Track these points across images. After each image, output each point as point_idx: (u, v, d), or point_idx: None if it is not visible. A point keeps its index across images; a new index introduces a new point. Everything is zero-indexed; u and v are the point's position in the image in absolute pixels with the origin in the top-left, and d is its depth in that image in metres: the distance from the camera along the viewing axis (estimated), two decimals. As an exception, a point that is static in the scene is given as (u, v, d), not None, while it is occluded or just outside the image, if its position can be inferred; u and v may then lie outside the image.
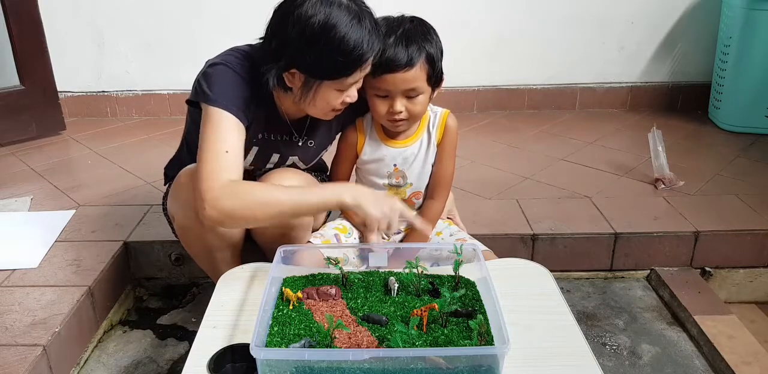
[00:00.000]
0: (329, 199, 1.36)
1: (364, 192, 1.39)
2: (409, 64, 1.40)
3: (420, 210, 1.66)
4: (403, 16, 1.47)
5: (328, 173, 1.78)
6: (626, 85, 3.27)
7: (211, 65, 1.43)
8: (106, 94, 3.21)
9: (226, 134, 1.37)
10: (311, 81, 1.35)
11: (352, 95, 1.41)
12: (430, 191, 1.64)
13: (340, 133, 1.67)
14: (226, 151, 1.35)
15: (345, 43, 1.29)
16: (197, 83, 1.43)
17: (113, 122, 3.19)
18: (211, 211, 1.31)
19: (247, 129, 1.50)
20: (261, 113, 1.50)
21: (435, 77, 1.47)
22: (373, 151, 1.60)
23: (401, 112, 1.46)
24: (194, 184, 1.35)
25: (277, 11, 1.35)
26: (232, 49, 1.48)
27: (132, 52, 3.14)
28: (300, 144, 1.61)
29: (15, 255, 1.91)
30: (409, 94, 1.45)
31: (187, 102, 1.48)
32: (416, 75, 1.42)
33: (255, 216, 1.35)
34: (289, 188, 1.42)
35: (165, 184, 1.74)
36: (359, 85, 1.43)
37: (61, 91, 3.00)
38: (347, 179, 1.72)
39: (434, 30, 1.48)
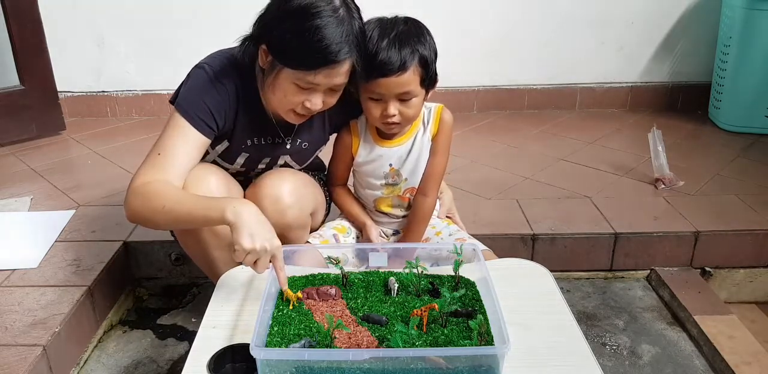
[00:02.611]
0: (214, 213, 1.27)
1: (252, 216, 1.25)
2: (402, 68, 1.39)
3: (412, 207, 1.66)
4: (396, 17, 1.45)
5: (326, 172, 1.78)
6: (626, 85, 3.26)
7: (194, 67, 1.46)
8: (106, 94, 3.21)
9: (172, 140, 1.40)
10: (275, 64, 1.34)
11: (313, 101, 1.37)
12: (421, 187, 1.62)
13: (335, 135, 1.66)
14: (158, 154, 1.39)
15: (313, 33, 1.27)
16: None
17: (113, 122, 3.19)
18: (125, 209, 1.36)
19: (232, 136, 1.51)
20: (245, 119, 1.50)
21: (429, 79, 1.45)
22: (368, 153, 1.60)
23: (395, 116, 1.46)
24: None
25: None
26: (218, 52, 1.48)
27: (132, 52, 3.14)
28: (288, 146, 1.60)
29: (15, 255, 1.90)
30: (403, 98, 1.44)
31: (170, 102, 1.50)
32: (409, 78, 1.41)
33: (155, 220, 1.37)
34: (194, 197, 1.36)
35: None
36: (331, 101, 1.40)
37: (61, 91, 2.99)
38: (345, 181, 1.72)
39: (428, 31, 1.46)
